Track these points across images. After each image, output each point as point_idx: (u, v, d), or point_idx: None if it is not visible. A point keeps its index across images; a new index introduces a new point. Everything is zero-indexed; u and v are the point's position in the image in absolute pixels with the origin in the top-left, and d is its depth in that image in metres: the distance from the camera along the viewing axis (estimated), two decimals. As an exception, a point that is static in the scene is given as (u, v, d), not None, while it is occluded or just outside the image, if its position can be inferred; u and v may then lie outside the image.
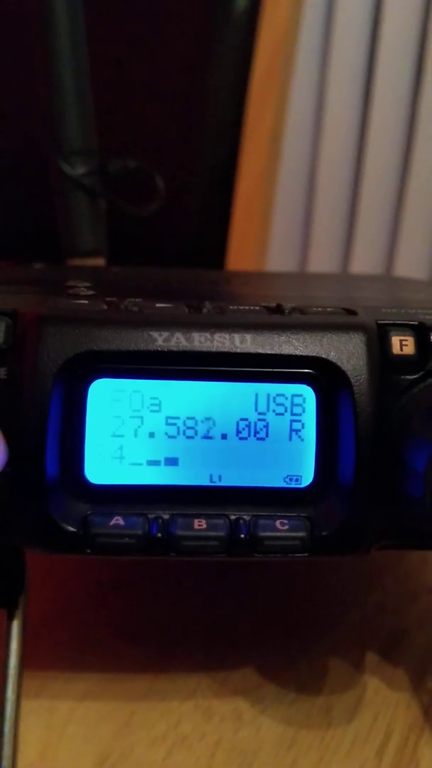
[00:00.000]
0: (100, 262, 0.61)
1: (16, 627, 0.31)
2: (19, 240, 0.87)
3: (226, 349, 0.27)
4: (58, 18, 0.57)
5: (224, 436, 0.28)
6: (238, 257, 0.86)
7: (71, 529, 0.27)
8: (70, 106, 0.59)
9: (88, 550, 0.27)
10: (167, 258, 0.79)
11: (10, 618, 0.31)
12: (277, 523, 0.28)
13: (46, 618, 0.37)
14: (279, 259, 1.10)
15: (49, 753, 0.31)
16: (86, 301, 0.29)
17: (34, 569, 0.32)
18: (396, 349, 0.28)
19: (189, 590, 0.40)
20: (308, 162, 1.10)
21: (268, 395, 0.28)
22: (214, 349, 0.27)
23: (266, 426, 0.28)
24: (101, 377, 0.28)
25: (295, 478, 0.29)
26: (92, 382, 0.28)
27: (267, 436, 0.28)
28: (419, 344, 0.29)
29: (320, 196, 1.10)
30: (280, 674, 0.35)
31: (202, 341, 0.27)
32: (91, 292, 0.32)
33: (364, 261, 1.10)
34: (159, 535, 0.27)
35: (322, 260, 1.12)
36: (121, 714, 0.33)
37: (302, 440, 0.28)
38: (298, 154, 1.08)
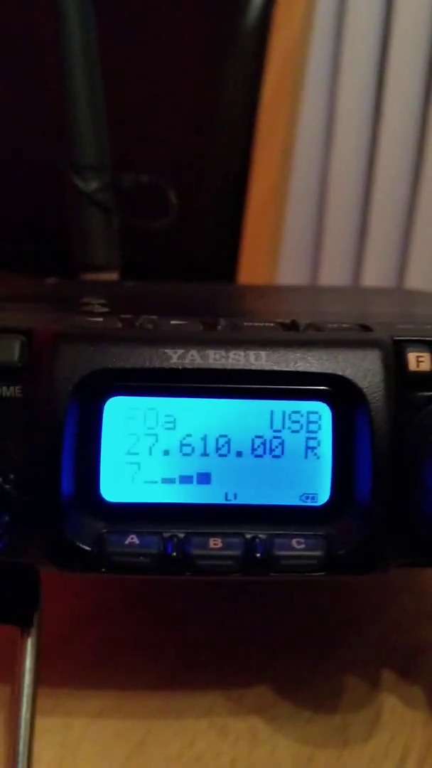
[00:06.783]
0: (113, 276, 0.61)
1: (30, 645, 0.31)
2: (33, 254, 0.88)
3: (241, 367, 0.27)
4: (71, 35, 0.58)
5: (239, 454, 0.28)
6: (250, 270, 0.86)
7: (86, 547, 0.27)
8: (84, 122, 0.59)
9: (103, 569, 0.27)
10: (179, 271, 0.79)
11: (25, 636, 0.31)
12: (293, 541, 0.28)
13: (60, 636, 0.37)
14: (290, 272, 1.10)
15: (63, 772, 0.31)
16: (101, 319, 0.29)
17: (48, 586, 0.32)
18: (412, 365, 0.28)
19: (203, 607, 0.40)
20: (319, 176, 1.10)
21: (284, 412, 0.28)
22: (228, 367, 0.27)
23: (282, 443, 0.28)
24: (116, 395, 0.28)
25: (311, 496, 0.28)
26: (107, 399, 0.28)
27: (282, 453, 0.28)
28: (436, 360, 0.28)
29: (331, 209, 1.10)
30: (296, 692, 0.35)
31: (217, 358, 0.27)
32: (105, 309, 0.32)
33: (376, 274, 1.10)
34: (174, 554, 0.27)
35: (334, 273, 1.12)
36: (136, 732, 0.33)
37: (318, 458, 0.28)
38: (309, 168, 1.08)
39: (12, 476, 0.27)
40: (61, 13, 0.57)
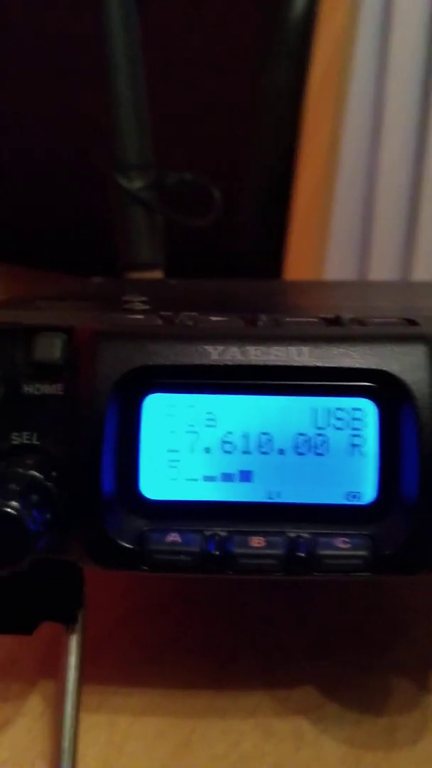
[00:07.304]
0: (157, 275, 0.61)
1: (74, 642, 0.32)
2: (79, 254, 0.88)
3: (282, 363, 0.27)
4: (115, 33, 0.58)
5: (282, 452, 0.28)
6: (296, 266, 0.86)
7: (127, 545, 0.27)
8: (128, 121, 0.59)
9: (145, 567, 0.27)
10: (225, 269, 0.79)
11: (69, 633, 0.32)
12: (338, 541, 0.27)
13: (105, 632, 0.37)
14: (337, 268, 1.09)
15: (108, 769, 0.31)
16: (141, 316, 0.29)
17: (93, 583, 0.32)
18: (460, 360, 0.27)
19: (249, 605, 0.40)
20: (367, 169, 1.08)
21: (327, 409, 0.28)
22: (270, 363, 0.27)
23: (325, 441, 0.28)
24: (156, 392, 0.27)
25: (356, 494, 0.28)
26: (147, 397, 0.27)
27: (326, 451, 0.28)
28: None
29: (379, 203, 1.08)
30: (342, 693, 0.34)
31: (258, 355, 0.27)
32: (146, 307, 0.32)
33: (426, 268, 1.08)
34: (216, 552, 0.27)
35: (383, 268, 1.10)
36: (181, 731, 0.32)
37: (363, 455, 0.28)
38: (357, 161, 1.07)
39: (53, 474, 0.27)
40: (105, 11, 0.57)
